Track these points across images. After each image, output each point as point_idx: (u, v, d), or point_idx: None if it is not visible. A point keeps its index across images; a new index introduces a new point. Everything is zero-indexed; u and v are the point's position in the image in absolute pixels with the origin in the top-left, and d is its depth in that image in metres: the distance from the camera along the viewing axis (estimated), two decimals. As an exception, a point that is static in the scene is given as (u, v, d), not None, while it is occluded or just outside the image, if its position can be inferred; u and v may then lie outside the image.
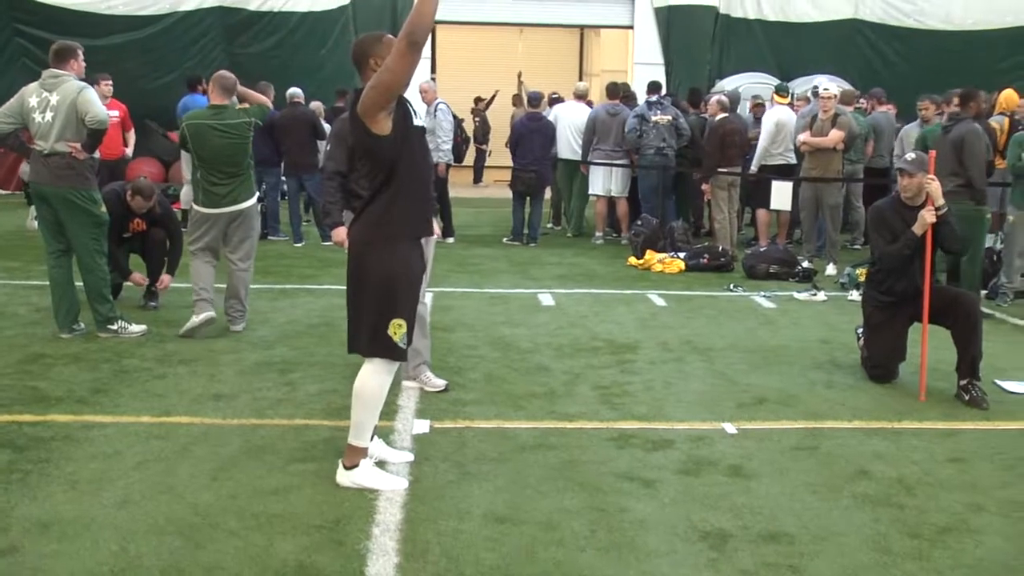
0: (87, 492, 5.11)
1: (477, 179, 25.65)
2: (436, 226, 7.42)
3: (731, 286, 11.44)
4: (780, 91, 14.58)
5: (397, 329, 5.09)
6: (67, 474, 5.35)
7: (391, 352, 5.15)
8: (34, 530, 4.64)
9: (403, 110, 5.08)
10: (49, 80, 8.08)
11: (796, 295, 10.95)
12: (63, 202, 8.09)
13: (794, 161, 13.61)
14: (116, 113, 13.49)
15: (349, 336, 5.28)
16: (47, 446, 5.76)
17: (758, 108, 15.55)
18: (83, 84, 8.11)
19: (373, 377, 5.22)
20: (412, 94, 15.42)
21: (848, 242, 14.52)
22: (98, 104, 8.08)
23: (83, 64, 8.31)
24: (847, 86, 16.63)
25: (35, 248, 12.54)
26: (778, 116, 13.89)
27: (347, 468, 5.26)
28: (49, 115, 7.99)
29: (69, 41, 8.47)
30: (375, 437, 5.54)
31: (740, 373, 7.71)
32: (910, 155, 7.51)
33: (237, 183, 8.52)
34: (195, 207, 8.64)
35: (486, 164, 25.85)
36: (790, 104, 14.52)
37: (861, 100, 15.51)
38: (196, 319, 8.43)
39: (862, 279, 8.98)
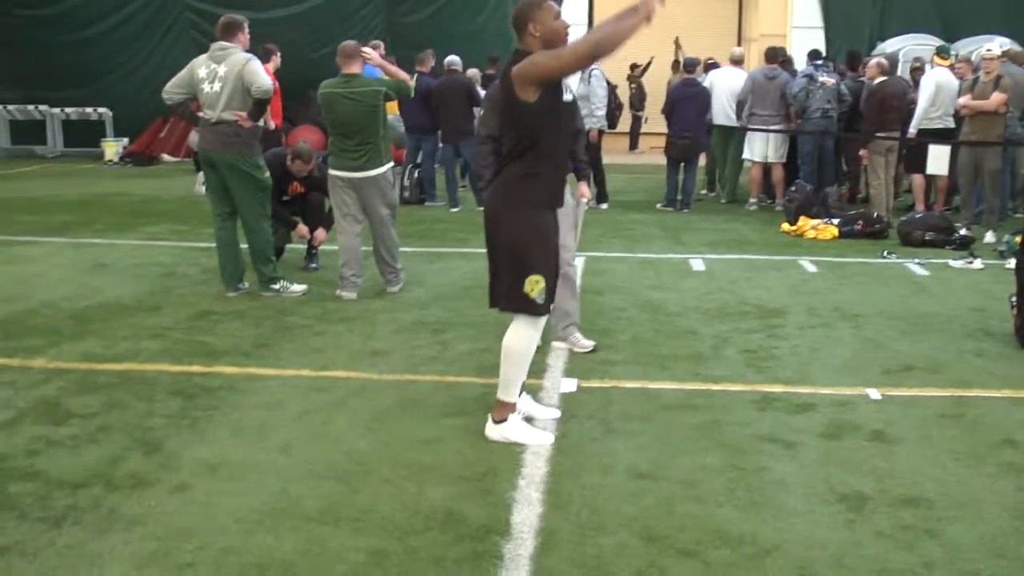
0: (251, 438, 5.44)
1: (633, 146, 25.56)
2: (588, 191, 7.58)
3: (885, 253, 11.29)
4: (941, 52, 14.21)
5: (534, 285, 5.23)
6: (233, 421, 5.70)
7: (529, 307, 5.29)
8: (203, 470, 4.98)
9: (555, 84, 5.21)
10: (217, 52, 8.46)
11: (952, 263, 10.75)
12: (229, 168, 8.47)
13: (952, 125, 13.30)
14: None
15: (490, 291, 5.50)
16: (215, 395, 6.13)
17: (917, 72, 15.19)
18: (249, 56, 8.46)
19: (519, 334, 5.39)
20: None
21: (1012, 209, 14.12)
22: (263, 74, 8.42)
23: (248, 37, 8.65)
24: (1017, 47, 16.09)
25: (202, 212, 13.10)
26: (937, 78, 13.54)
27: (496, 422, 5.45)
28: (217, 85, 8.37)
29: (236, 15, 8.82)
30: (524, 394, 5.72)
31: (888, 340, 7.67)
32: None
33: (365, 151, 8.65)
34: (330, 171, 8.87)
35: (642, 131, 25.72)
36: (951, 67, 14.14)
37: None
38: (338, 293, 8.81)
39: (1021, 247, 8.80)
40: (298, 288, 8.85)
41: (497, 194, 5.36)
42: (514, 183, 5.26)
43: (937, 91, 13.37)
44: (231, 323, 7.88)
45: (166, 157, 21.21)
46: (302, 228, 9.74)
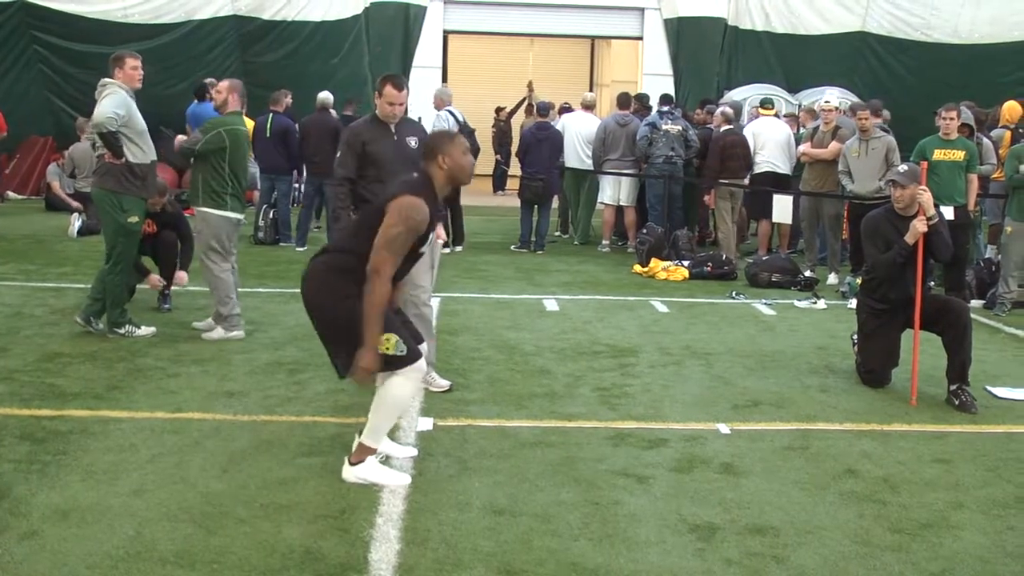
0: (103, 481, 5.34)
1: (496, 188, 25.18)
2: (443, 232, 7.66)
3: (733, 293, 11.63)
4: (764, 104, 15.00)
5: (386, 343, 5.21)
6: (84, 465, 5.57)
7: (396, 363, 5.27)
8: (53, 516, 4.86)
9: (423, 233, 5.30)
10: (100, 88, 8.47)
11: (796, 303, 11.14)
12: (96, 202, 8.57)
13: (783, 170, 13.88)
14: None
15: (334, 366, 5.42)
16: (65, 439, 5.99)
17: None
18: (110, 90, 8.37)
19: (402, 386, 5.35)
20: (427, 99, 15.66)
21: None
22: (103, 107, 8.22)
23: (132, 72, 8.49)
24: (854, 98, 16.81)
25: (50, 251, 12.88)
26: (754, 128, 14.26)
27: (352, 464, 5.45)
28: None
29: (122, 51, 8.75)
30: (379, 433, 5.74)
31: (737, 377, 7.91)
32: (903, 167, 7.71)
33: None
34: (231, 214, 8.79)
35: (508, 173, 25.05)
36: (777, 115, 14.80)
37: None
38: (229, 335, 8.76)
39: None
40: (145, 331, 8.69)
41: (317, 277, 5.38)
42: (342, 266, 5.30)
43: (753, 138, 14.04)
44: (82, 365, 7.71)
45: (11, 195, 20.58)
46: (154, 279, 9.60)
